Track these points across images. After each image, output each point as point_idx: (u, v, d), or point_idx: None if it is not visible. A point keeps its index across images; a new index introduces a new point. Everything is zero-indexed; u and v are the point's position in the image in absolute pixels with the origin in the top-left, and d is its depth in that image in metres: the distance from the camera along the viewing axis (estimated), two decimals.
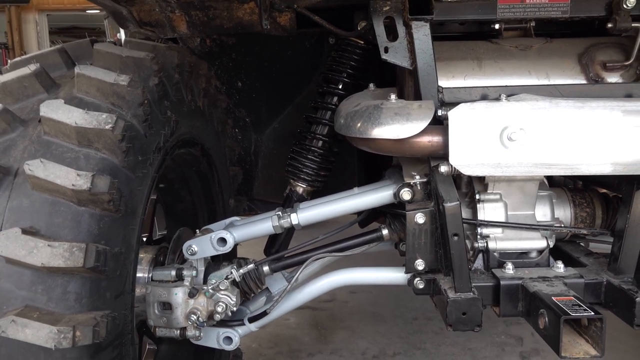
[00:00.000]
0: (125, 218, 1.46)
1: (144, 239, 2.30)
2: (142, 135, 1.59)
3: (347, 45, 2.16)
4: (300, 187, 2.22)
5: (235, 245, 2.05)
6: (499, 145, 1.52)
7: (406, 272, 1.84)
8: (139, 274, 1.97)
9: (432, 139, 1.59)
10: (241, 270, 1.87)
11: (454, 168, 1.58)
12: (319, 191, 2.30)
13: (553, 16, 1.73)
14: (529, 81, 1.79)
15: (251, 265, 1.89)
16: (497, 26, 1.91)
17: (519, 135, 1.51)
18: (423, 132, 1.57)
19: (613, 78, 1.78)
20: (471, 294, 1.66)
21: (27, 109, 1.51)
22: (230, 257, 2.19)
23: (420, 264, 1.80)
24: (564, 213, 1.99)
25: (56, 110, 1.38)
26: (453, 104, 1.64)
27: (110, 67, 1.61)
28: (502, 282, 1.74)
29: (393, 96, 1.61)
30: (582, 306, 1.51)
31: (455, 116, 1.52)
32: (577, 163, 1.52)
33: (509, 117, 1.52)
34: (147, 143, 1.62)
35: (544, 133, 1.51)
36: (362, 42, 2.14)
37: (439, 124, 1.65)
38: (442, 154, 1.62)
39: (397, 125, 1.55)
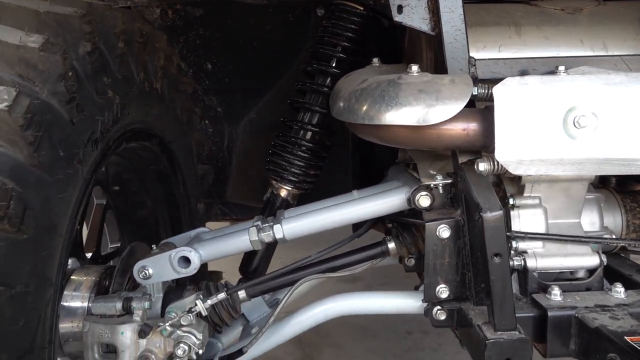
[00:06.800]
0: (34, 240, 1.00)
1: (89, 255, 1.84)
2: (67, 122, 1.13)
3: (343, 11, 1.73)
4: (285, 190, 1.78)
5: None
6: (562, 135, 1.11)
7: (425, 301, 1.43)
8: (76, 304, 1.52)
9: (467, 126, 1.17)
10: (209, 301, 1.43)
11: (499, 166, 1.17)
12: (306, 195, 1.87)
13: None
14: (581, 52, 1.39)
15: (222, 295, 1.44)
16: None
17: (590, 120, 1.10)
18: (457, 117, 1.15)
19: None
20: (517, 332, 1.25)
21: None
22: (199, 275, 1.74)
23: (444, 291, 1.40)
24: (614, 220, 1.62)
25: None
26: (490, 81, 1.23)
27: (21, 26, 1.14)
28: (550, 313, 1.35)
29: (415, 68, 1.18)
30: None
31: (503, 94, 1.10)
32: None
33: (575, 96, 1.11)
34: (74, 132, 1.16)
35: (622, 117, 1.11)
36: (361, 8, 1.71)
37: (471, 107, 1.23)
38: (480, 146, 1.21)
39: (422, 107, 1.13)
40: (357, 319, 3.53)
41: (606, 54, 1.38)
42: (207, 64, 2.27)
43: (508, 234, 1.42)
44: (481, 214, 1.20)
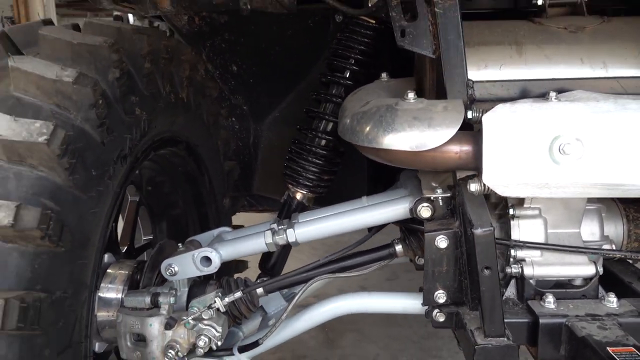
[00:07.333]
0: (71, 252, 1.16)
1: (124, 249, 2.02)
2: (98, 144, 1.28)
3: (356, 25, 1.81)
4: (300, 193, 1.90)
5: None
6: (548, 160, 1.18)
7: (424, 305, 1.53)
8: (111, 295, 1.70)
9: (460, 150, 1.25)
10: (226, 299, 1.58)
11: (488, 187, 1.25)
12: (322, 197, 1.99)
13: None
14: (581, 72, 1.43)
15: (238, 293, 1.59)
16: (540, 1, 1.55)
17: (575, 147, 1.16)
18: (450, 141, 1.23)
19: None
20: (505, 339, 1.35)
21: None
22: (226, 264, 1.89)
23: (441, 296, 1.49)
24: (616, 230, 1.66)
25: None
26: (487, 102, 1.30)
27: (59, 57, 1.29)
28: (541, 320, 1.43)
29: (411, 95, 1.26)
30: None
31: (492, 122, 1.18)
32: None
33: (561, 123, 1.17)
34: (105, 152, 1.31)
35: (607, 144, 1.17)
36: (374, 22, 1.79)
37: (468, 128, 1.31)
38: (472, 168, 1.29)
39: (416, 134, 1.22)
40: None
41: (605, 74, 1.42)
42: (232, 66, 2.40)
43: (507, 242, 1.51)
44: (472, 230, 1.28)
